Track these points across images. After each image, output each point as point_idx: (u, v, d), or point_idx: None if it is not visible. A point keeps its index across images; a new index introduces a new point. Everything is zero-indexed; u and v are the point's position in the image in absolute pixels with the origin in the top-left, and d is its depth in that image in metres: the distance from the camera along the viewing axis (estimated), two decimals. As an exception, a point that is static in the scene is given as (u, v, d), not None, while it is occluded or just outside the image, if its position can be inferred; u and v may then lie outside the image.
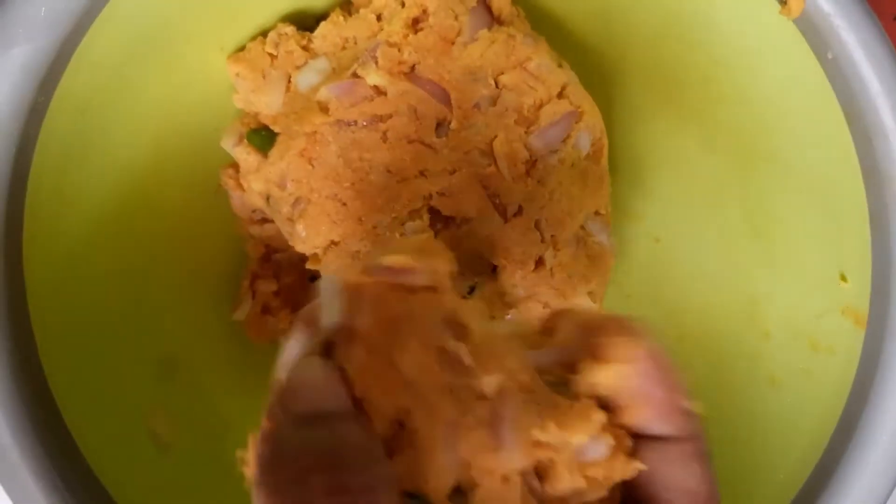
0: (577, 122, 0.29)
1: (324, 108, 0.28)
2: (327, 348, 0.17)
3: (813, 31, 0.24)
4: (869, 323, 0.25)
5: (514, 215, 0.28)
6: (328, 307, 0.17)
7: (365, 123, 0.28)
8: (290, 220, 0.29)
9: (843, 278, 0.26)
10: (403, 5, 0.28)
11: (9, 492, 0.24)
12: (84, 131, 0.27)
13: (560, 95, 0.29)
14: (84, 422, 0.26)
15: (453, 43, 0.28)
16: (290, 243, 0.30)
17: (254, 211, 0.32)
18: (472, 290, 0.30)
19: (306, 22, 0.30)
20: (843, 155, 0.25)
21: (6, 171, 0.25)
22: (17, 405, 0.24)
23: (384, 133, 0.28)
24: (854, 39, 0.23)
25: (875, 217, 0.24)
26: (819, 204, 0.26)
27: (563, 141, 0.29)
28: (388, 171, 0.28)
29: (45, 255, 0.26)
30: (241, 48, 0.30)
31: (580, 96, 0.29)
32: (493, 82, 0.28)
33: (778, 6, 0.25)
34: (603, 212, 0.31)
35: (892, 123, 0.23)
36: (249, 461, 0.16)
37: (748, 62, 0.27)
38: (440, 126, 0.28)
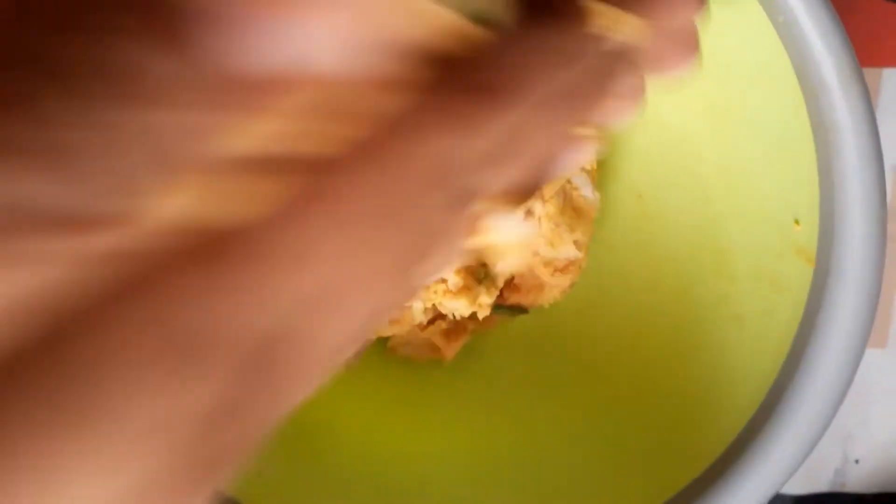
0: (564, 85, 0.31)
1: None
2: None
3: (765, -3, 0.27)
4: (816, 261, 0.28)
5: (507, 169, 0.31)
6: None
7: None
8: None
9: (797, 222, 0.29)
10: None
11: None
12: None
13: (548, 59, 0.31)
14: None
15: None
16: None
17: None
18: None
19: None
20: (796, 110, 0.27)
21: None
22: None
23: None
24: (800, 4, 0.25)
25: (822, 165, 0.27)
26: (777, 155, 0.29)
27: (552, 102, 0.31)
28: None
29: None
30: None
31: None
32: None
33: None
34: (588, 168, 0.34)
35: (835, 81, 0.26)
36: None
37: (712, 27, 0.29)
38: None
